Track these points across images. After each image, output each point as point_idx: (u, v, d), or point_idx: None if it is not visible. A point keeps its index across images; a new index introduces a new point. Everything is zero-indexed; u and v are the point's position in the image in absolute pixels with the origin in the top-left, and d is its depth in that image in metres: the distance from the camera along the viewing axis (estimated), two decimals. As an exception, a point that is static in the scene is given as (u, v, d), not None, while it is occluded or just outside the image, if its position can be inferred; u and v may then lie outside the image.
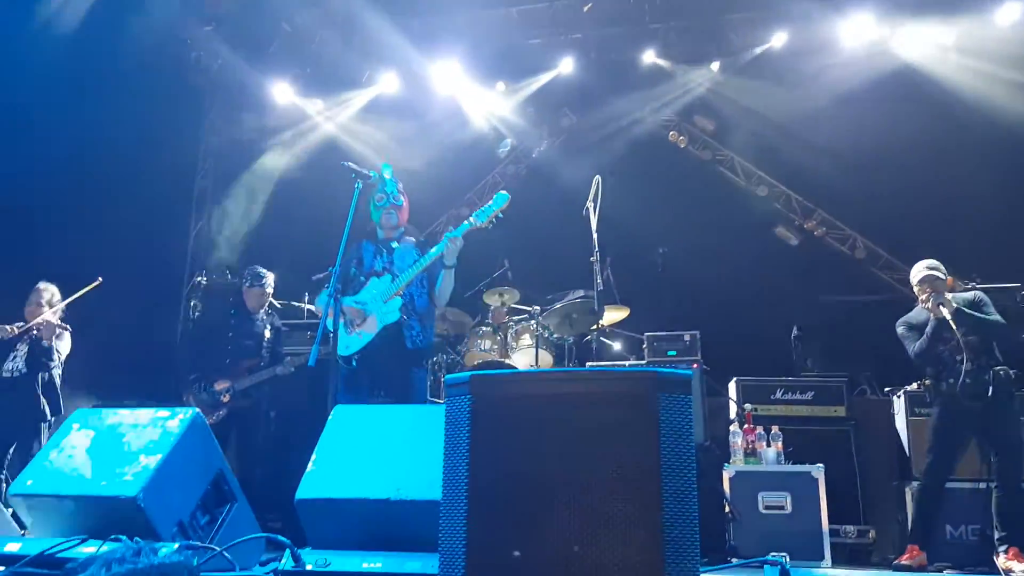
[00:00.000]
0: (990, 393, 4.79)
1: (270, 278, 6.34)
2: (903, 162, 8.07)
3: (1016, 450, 4.82)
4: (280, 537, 2.54)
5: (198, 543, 2.73)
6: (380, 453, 2.86)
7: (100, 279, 6.25)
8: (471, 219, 4.49)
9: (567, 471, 2.15)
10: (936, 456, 5.03)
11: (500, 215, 4.48)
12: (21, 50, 6.92)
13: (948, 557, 5.07)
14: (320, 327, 3.86)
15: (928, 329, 5.07)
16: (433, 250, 4.49)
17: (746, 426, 5.39)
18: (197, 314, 8.89)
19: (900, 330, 5.31)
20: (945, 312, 4.93)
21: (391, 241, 4.79)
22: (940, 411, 5.09)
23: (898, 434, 5.90)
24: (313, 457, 2.93)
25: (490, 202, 4.53)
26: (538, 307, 6.50)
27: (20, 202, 7.34)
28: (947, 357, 5.02)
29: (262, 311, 6.34)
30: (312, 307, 7.57)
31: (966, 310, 4.96)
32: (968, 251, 7.08)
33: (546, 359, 6.48)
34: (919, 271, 5.24)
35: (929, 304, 5.04)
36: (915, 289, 5.25)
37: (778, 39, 8.55)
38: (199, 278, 9.13)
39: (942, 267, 5.23)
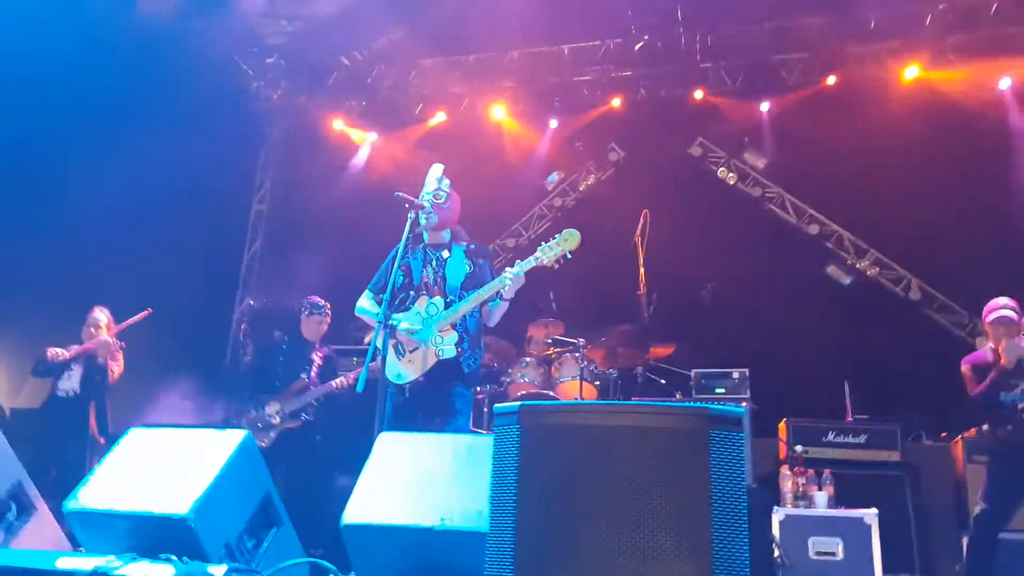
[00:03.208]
0: None
1: (328, 309, 6.43)
2: (959, 202, 7.86)
3: None
4: (324, 563, 2.53)
5: (244, 566, 2.74)
6: (426, 481, 2.84)
7: (150, 309, 6.42)
8: (537, 255, 4.24)
9: (616, 504, 2.12)
10: (990, 506, 4.85)
11: (569, 255, 4.21)
12: (82, 76, 7.15)
13: (1008, 612, 4.88)
14: (369, 352, 3.81)
15: (993, 374, 4.90)
16: (492, 283, 4.27)
17: (796, 468, 5.27)
18: (247, 338, 9.01)
19: (964, 368, 5.12)
20: (1010, 358, 4.79)
21: (440, 249, 4.57)
22: (997, 460, 4.92)
23: (956, 481, 5.72)
24: (359, 483, 2.93)
25: (556, 237, 4.24)
26: (583, 340, 6.46)
27: (77, 223, 7.55)
28: (1009, 404, 4.86)
29: (317, 341, 6.42)
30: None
31: None
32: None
33: (590, 392, 6.43)
34: (993, 310, 5.02)
35: (1000, 347, 4.88)
36: (987, 328, 5.07)
37: (830, 78, 8.53)
38: (250, 301, 9.28)
39: (1016, 307, 5.01)
